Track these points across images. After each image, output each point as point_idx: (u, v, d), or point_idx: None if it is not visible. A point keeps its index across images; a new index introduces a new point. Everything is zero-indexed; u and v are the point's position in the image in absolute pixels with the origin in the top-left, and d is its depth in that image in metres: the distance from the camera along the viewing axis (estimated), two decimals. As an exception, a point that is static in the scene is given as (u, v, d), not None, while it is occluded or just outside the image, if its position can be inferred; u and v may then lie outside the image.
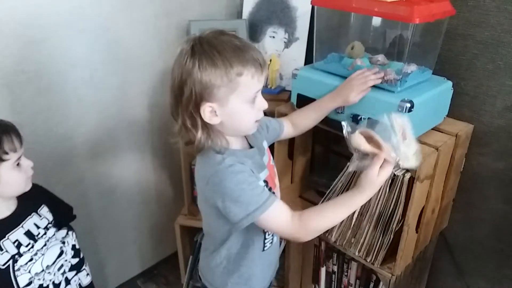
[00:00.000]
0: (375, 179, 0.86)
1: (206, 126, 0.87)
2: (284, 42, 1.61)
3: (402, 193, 1.12)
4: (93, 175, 1.54)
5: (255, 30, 1.66)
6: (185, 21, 1.58)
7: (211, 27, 1.50)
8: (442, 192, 1.28)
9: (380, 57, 1.20)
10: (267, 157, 1.03)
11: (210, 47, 0.81)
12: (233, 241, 0.99)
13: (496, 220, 1.33)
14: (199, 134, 0.86)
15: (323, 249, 1.58)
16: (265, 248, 1.04)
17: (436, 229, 1.37)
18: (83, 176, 1.52)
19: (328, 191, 1.29)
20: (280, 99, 1.54)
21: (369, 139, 0.87)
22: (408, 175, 1.11)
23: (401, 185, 1.12)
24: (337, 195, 1.27)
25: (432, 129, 1.22)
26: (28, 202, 1.03)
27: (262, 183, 0.94)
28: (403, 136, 0.87)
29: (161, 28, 1.54)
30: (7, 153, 0.92)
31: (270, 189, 0.97)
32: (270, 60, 1.57)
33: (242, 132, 0.94)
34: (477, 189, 1.34)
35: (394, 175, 1.13)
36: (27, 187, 1.00)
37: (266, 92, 1.59)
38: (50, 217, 1.08)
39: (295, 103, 1.31)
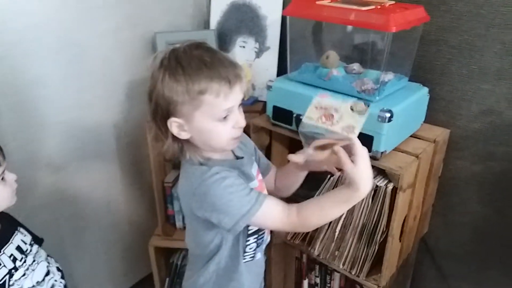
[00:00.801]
0: (356, 171, 0.79)
1: (178, 138, 0.85)
2: (255, 51, 1.57)
3: (386, 203, 1.10)
4: (59, 199, 1.44)
5: (224, 40, 1.61)
6: (150, 33, 1.51)
7: (178, 40, 1.47)
8: (422, 198, 1.26)
9: (356, 66, 1.18)
10: (256, 170, 0.99)
11: (176, 62, 0.79)
12: (222, 254, 0.95)
13: (476, 222, 1.33)
14: (169, 141, 0.85)
15: (304, 261, 1.55)
16: (255, 258, 1.00)
17: (417, 235, 1.36)
18: (49, 201, 1.42)
19: (309, 204, 1.25)
20: (254, 110, 1.50)
21: (322, 147, 0.85)
22: (391, 186, 1.09)
23: (384, 195, 1.10)
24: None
25: (410, 136, 1.21)
26: (8, 220, 1.02)
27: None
28: (327, 117, 0.83)
29: (125, 41, 1.47)
30: None
31: None
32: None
33: (216, 149, 0.89)
34: (455, 193, 1.34)
35: (377, 186, 1.10)
36: (13, 200, 0.98)
37: (239, 103, 1.54)
38: (29, 235, 1.05)
39: (271, 115, 1.26)
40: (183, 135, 0.84)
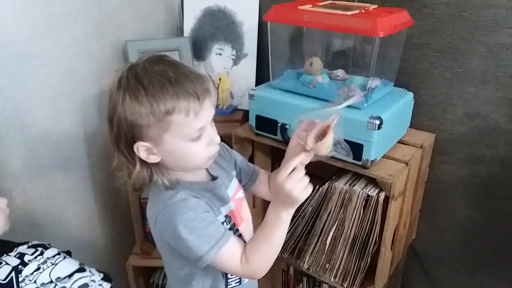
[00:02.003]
0: (280, 183, 0.73)
1: (146, 163, 0.77)
2: (232, 59, 1.51)
3: (378, 213, 1.07)
4: (26, 223, 1.33)
5: (199, 48, 1.54)
6: (121, 42, 1.43)
7: (151, 48, 1.40)
8: (411, 205, 1.24)
9: (340, 72, 1.14)
10: (234, 189, 0.92)
11: (136, 81, 0.71)
12: (200, 283, 0.86)
13: (463, 227, 1.32)
14: (137, 168, 0.77)
15: (292, 273, 1.50)
16: (242, 282, 0.92)
17: (406, 242, 1.34)
18: (15, 226, 1.30)
19: (297, 217, 1.20)
20: (233, 120, 1.44)
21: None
22: (382, 195, 1.05)
23: (376, 205, 1.06)
24: (307, 220, 1.18)
25: (397, 142, 1.18)
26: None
27: (221, 218, 0.83)
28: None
29: (93, 50, 1.38)
30: None
31: (233, 226, 0.86)
32: (220, 79, 1.47)
33: (190, 169, 0.82)
34: (442, 197, 1.32)
35: (368, 195, 1.07)
36: (7, 227, 0.91)
37: (218, 113, 1.47)
38: None
39: (254, 125, 1.21)
40: (153, 159, 0.76)
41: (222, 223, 0.83)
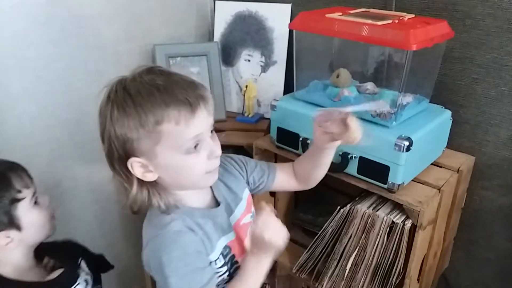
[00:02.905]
0: (258, 234, 0.72)
1: (144, 181, 0.72)
2: (261, 66, 1.46)
3: (403, 243, 0.97)
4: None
5: (228, 53, 1.50)
6: (150, 46, 1.42)
7: (178, 52, 1.37)
8: (444, 233, 1.13)
9: (369, 85, 1.06)
10: (241, 213, 0.85)
11: (124, 93, 0.67)
12: None
13: (502, 259, 1.19)
14: (134, 191, 0.72)
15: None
16: None
17: (437, 272, 1.23)
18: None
19: (316, 237, 1.13)
20: (258, 129, 1.39)
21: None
22: (409, 223, 0.96)
23: (401, 234, 0.97)
24: (327, 242, 1.11)
25: (431, 164, 1.08)
26: (70, 257, 0.96)
27: (218, 250, 0.77)
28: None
29: (122, 54, 1.37)
30: (20, 191, 0.84)
31: (232, 257, 0.80)
32: (246, 86, 1.42)
33: (190, 187, 0.77)
34: (480, 226, 1.20)
35: (393, 222, 0.98)
36: (52, 229, 0.93)
37: (243, 121, 1.44)
38: (89, 271, 0.99)
39: (275, 137, 1.15)
40: (149, 177, 0.71)
41: (221, 254, 0.78)
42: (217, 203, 0.81)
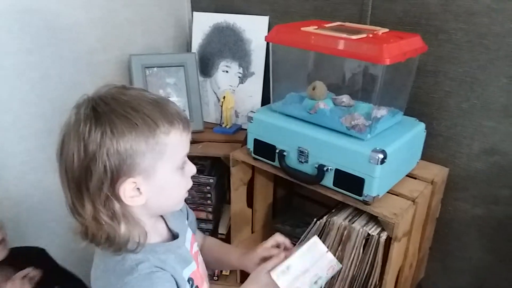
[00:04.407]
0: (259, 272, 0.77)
1: (126, 213, 0.64)
2: (239, 77, 1.46)
3: (379, 254, 0.98)
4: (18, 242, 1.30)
5: (206, 64, 1.50)
6: (126, 56, 1.40)
7: (155, 63, 1.36)
8: (419, 244, 1.14)
9: (345, 98, 1.07)
10: (190, 242, 0.80)
11: (122, 105, 0.61)
12: None
13: (476, 270, 1.21)
14: (123, 228, 0.63)
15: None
16: None
17: (413, 283, 1.23)
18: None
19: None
20: (236, 140, 1.38)
21: None
22: (384, 235, 0.96)
23: (377, 246, 0.97)
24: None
25: (406, 175, 1.09)
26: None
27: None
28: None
29: (97, 64, 1.35)
30: None
31: None
32: (224, 97, 1.41)
33: (169, 209, 0.73)
34: (454, 236, 1.22)
35: (368, 234, 0.98)
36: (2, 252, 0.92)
37: (221, 132, 1.43)
38: None
39: (251, 149, 1.14)
40: (137, 201, 0.64)
41: None
42: (172, 235, 0.77)
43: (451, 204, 1.19)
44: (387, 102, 1.02)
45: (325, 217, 1.04)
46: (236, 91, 1.47)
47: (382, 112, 1.00)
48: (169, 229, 0.77)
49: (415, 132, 1.06)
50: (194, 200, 1.44)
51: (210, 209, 1.46)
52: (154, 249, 0.68)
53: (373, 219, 1.01)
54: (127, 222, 0.64)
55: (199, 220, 1.46)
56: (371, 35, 0.94)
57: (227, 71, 1.48)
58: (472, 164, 1.12)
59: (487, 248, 1.17)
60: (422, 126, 1.09)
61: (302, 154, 1.03)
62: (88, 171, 0.60)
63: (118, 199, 0.63)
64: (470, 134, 1.10)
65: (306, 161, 1.02)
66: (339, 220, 1.01)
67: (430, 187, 1.07)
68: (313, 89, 1.05)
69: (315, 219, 1.05)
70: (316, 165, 1.00)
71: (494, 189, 1.10)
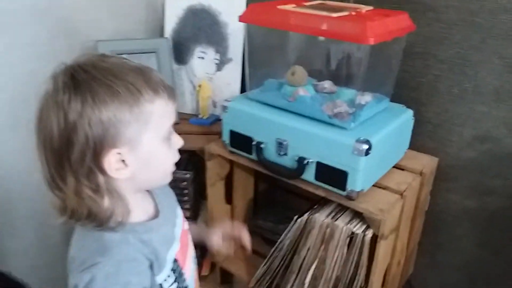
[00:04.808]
0: None
1: (110, 187, 0.61)
2: (216, 63, 1.36)
3: (364, 254, 0.90)
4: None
5: (180, 50, 1.39)
6: (92, 42, 1.29)
7: (124, 49, 1.25)
8: (407, 239, 1.07)
9: (327, 84, 0.98)
10: (180, 223, 0.77)
11: (103, 72, 0.57)
12: None
13: (469, 264, 1.14)
14: (106, 202, 0.60)
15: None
16: None
17: (402, 279, 1.17)
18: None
19: (273, 249, 1.05)
20: (213, 132, 1.28)
21: None
22: (370, 233, 0.89)
23: (362, 245, 0.89)
24: (285, 254, 1.02)
25: (393, 166, 1.01)
26: None
27: (169, 266, 0.68)
28: None
29: (59, 51, 1.23)
30: None
31: (181, 273, 0.71)
32: (200, 86, 1.32)
33: (156, 183, 0.69)
34: (445, 229, 1.15)
35: (353, 233, 0.90)
36: None
37: (197, 123, 1.34)
38: None
39: (227, 141, 1.06)
40: (123, 173, 0.60)
41: (172, 270, 0.69)
42: (157, 213, 0.71)
43: (441, 196, 1.12)
44: (372, 87, 0.93)
45: (306, 215, 0.96)
46: (214, 79, 1.37)
47: (366, 98, 0.91)
48: (157, 207, 0.72)
49: (403, 119, 0.98)
50: (170, 196, 1.35)
51: (187, 206, 1.37)
52: (134, 228, 0.64)
53: (358, 215, 0.93)
54: (111, 196, 0.61)
55: (176, 217, 1.38)
56: (353, 13, 0.86)
57: (203, 58, 1.38)
58: (463, 153, 1.05)
59: (479, 241, 1.10)
60: (410, 113, 1.01)
61: (281, 146, 0.94)
62: (69, 142, 0.56)
63: (103, 172, 0.59)
64: (461, 120, 1.02)
65: (285, 154, 0.94)
66: (321, 217, 0.94)
67: (418, 178, 1.00)
68: (292, 74, 0.96)
69: (295, 217, 0.97)
70: (296, 158, 0.92)
71: (487, 179, 1.03)
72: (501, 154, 0.99)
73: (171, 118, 0.64)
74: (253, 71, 1.04)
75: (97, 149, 0.57)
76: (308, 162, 0.90)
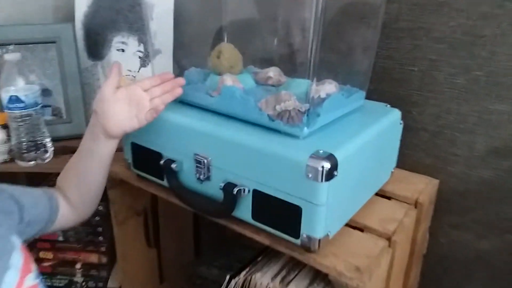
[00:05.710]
0: None
1: None
2: (139, 57, 1.05)
3: (331, 339, 0.56)
4: None
5: (95, 41, 1.07)
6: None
7: (11, 38, 0.97)
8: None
9: (273, 72, 0.66)
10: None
11: None
12: None
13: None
14: None
15: None
16: None
17: None
18: None
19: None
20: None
21: None
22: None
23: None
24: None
25: (374, 194, 0.69)
26: None
27: None
28: None
29: None
30: None
31: None
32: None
33: None
34: (450, 279, 0.83)
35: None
36: None
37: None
38: None
39: (130, 160, 0.72)
40: None
41: None
42: None
43: (445, 235, 0.81)
44: (337, 74, 0.61)
45: (242, 273, 0.62)
46: (138, 78, 1.05)
47: (328, 88, 0.59)
48: None
49: (386, 124, 0.66)
50: (79, 237, 1.01)
51: (103, 249, 1.03)
52: None
53: (321, 275, 0.59)
54: None
55: (88, 265, 1.03)
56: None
57: (123, 50, 1.05)
58: (475, 173, 0.74)
59: (498, 297, 0.78)
60: (396, 114, 0.69)
61: (200, 166, 0.60)
62: None
63: None
64: (470, 125, 0.71)
65: (207, 178, 0.60)
66: (265, 279, 0.59)
67: (413, 212, 0.67)
68: (218, 57, 0.64)
69: (228, 277, 0.63)
70: (222, 184, 0.58)
71: (509, 209, 0.71)
72: (531, 173, 0.68)
73: None
74: (178, 59, 0.73)
75: None
76: (240, 190, 0.56)
